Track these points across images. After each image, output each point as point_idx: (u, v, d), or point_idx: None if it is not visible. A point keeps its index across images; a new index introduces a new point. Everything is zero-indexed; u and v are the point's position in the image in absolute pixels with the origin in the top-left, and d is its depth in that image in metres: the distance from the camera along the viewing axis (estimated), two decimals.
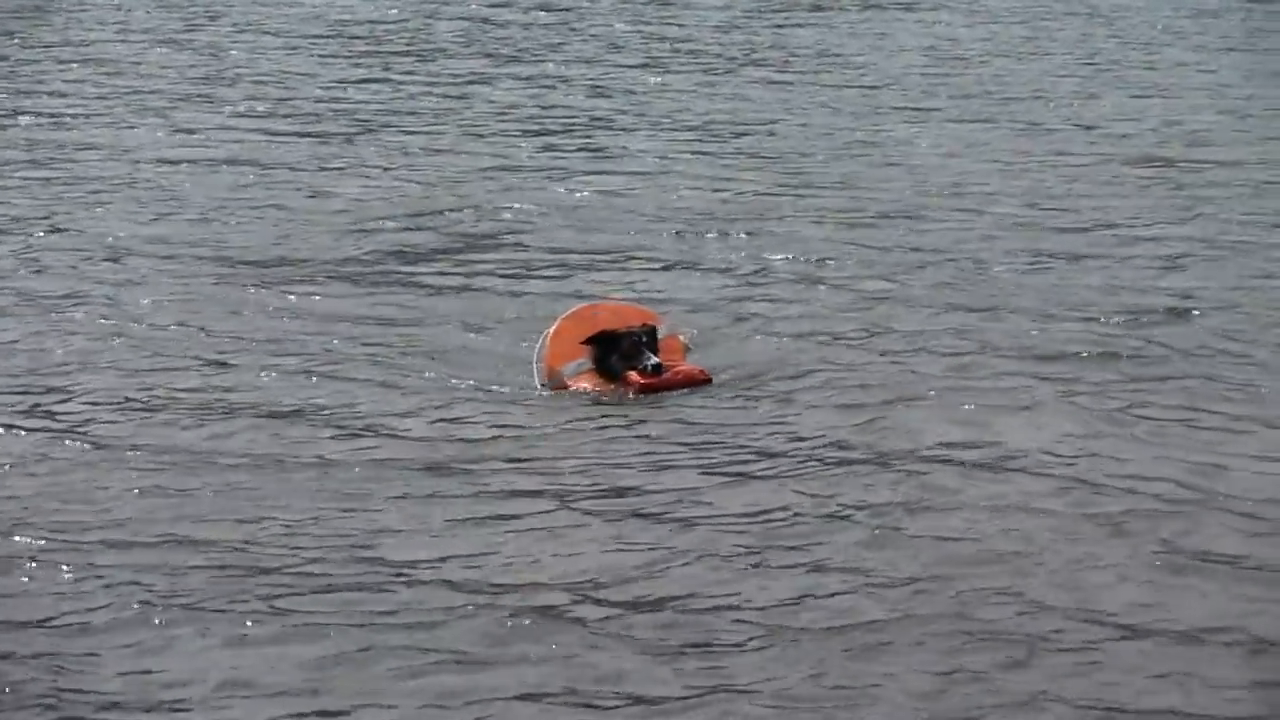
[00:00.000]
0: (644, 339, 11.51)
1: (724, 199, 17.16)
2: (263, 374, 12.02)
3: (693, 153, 19.48)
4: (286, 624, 8.33)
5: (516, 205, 16.91)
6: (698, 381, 11.50)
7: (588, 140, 20.29)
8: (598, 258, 15.15)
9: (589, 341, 11.58)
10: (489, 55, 26.52)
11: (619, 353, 11.52)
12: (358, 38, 28.13)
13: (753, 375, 11.75)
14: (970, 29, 29.04)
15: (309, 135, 20.38)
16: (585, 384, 11.55)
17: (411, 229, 16.17)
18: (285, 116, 21.51)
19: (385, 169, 18.67)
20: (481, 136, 20.49)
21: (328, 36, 28.12)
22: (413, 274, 14.68)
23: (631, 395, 11.37)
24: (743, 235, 15.62)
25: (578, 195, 17.39)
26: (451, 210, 16.91)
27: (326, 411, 11.30)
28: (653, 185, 17.82)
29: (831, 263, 14.67)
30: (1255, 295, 13.67)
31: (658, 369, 11.40)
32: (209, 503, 9.79)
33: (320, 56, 26.24)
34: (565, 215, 16.59)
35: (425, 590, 8.64)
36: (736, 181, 18.00)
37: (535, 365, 11.67)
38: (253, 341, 12.77)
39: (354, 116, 21.55)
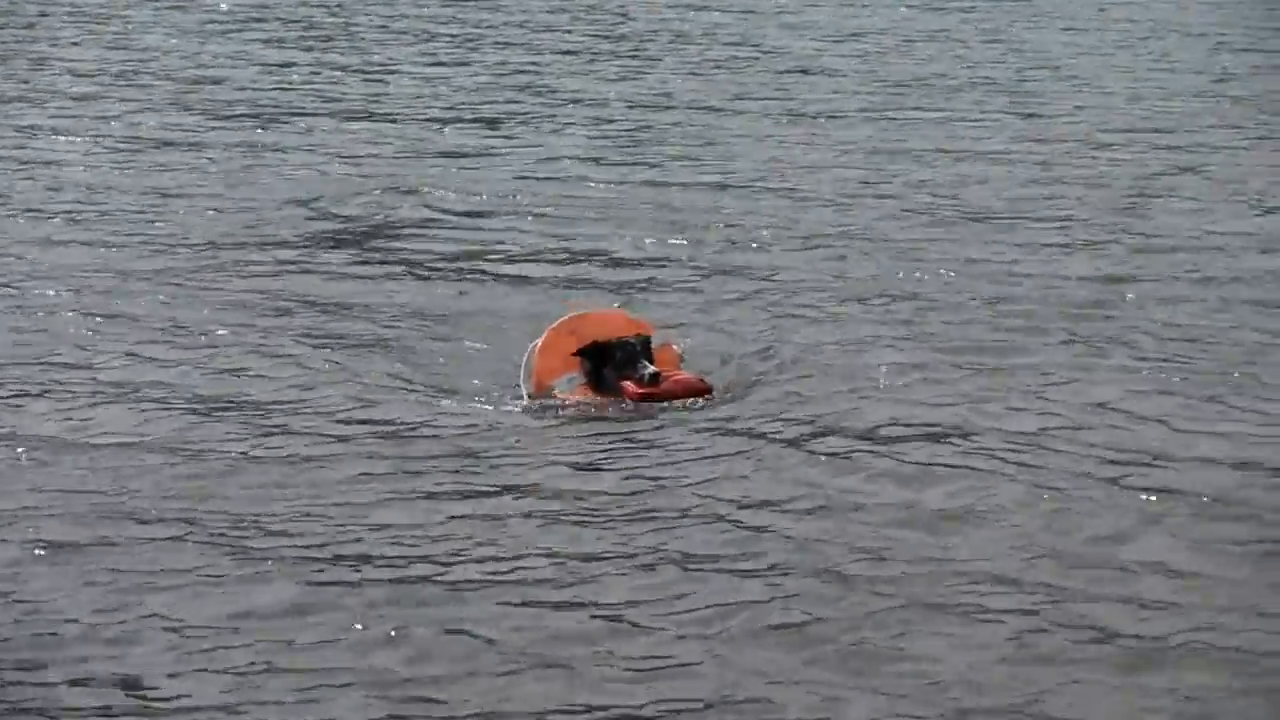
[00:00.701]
0: (638, 348, 10.82)
1: (684, 198, 16.66)
2: (200, 369, 11.55)
3: (621, 142, 19.08)
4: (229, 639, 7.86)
5: (478, 196, 16.52)
6: (697, 391, 10.83)
7: (522, 128, 19.88)
8: (576, 258, 14.60)
9: (580, 354, 10.91)
10: (424, 40, 26.22)
11: (613, 363, 10.82)
12: (282, 20, 27.72)
13: (749, 384, 11.15)
14: (900, 16, 28.99)
15: (232, 122, 19.89)
16: (578, 399, 10.86)
17: (355, 219, 15.75)
18: (210, 103, 20.99)
19: (327, 155, 18.26)
20: (421, 123, 20.09)
21: (248, 22, 27.60)
22: (364, 268, 14.18)
23: (630, 406, 10.69)
24: (712, 237, 15.15)
25: (533, 191, 16.88)
26: (396, 199, 16.46)
27: (270, 416, 10.73)
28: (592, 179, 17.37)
29: (803, 263, 14.23)
30: (1196, 284, 13.52)
31: (655, 378, 10.69)
32: (141, 501, 9.30)
33: (242, 43, 25.72)
34: (522, 210, 16.16)
35: (396, 613, 8.08)
36: (672, 176, 17.62)
37: (522, 380, 11.00)
38: (195, 334, 12.28)
39: (286, 104, 21.08)
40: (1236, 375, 11.32)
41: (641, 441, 10.23)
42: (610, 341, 10.83)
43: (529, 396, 10.91)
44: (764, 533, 8.91)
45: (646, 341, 10.91)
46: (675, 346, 11.35)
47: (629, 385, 10.73)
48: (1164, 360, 11.64)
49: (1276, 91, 22.55)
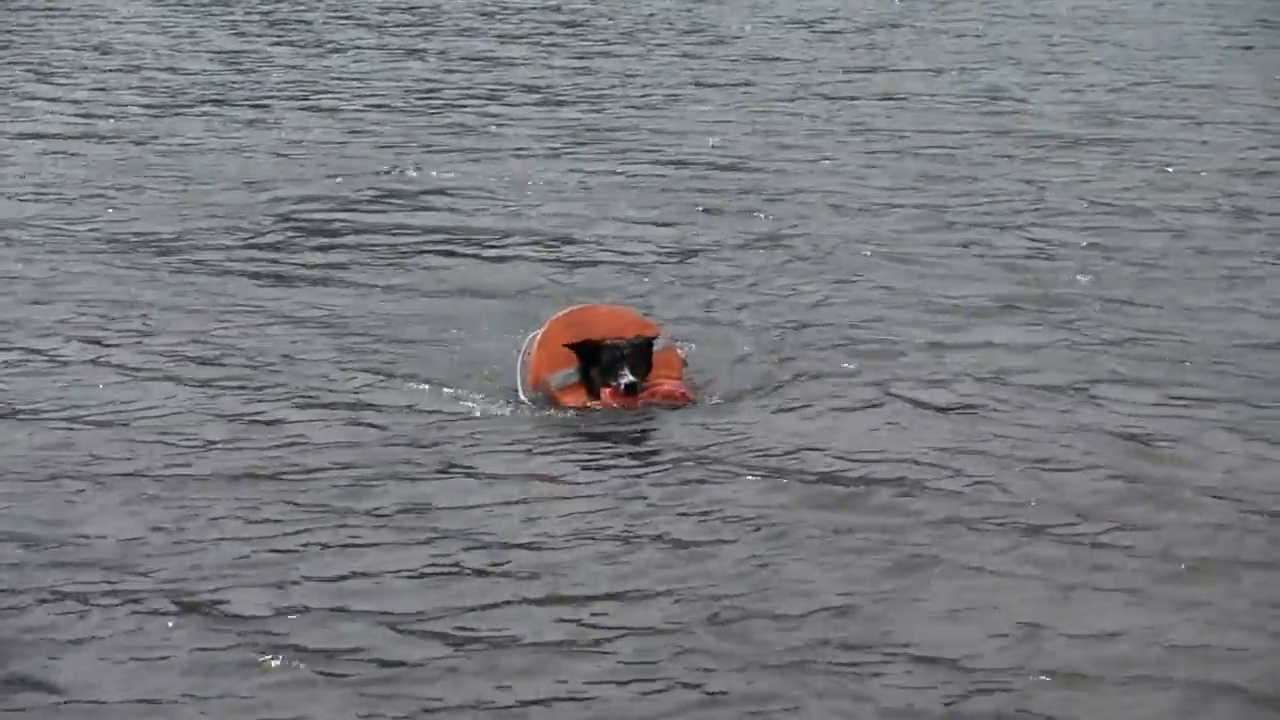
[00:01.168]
0: (625, 352, 10.25)
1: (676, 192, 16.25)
2: (167, 364, 11.08)
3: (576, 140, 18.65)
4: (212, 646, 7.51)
5: (458, 184, 16.16)
6: (677, 403, 10.29)
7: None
8: (547, 247, 14.16)
9: (572, 348, 10.33)
10: (378, 27, 26.14)
11: (599, 365, 10.29)
12: (239, 6, 27.56)
13: (754, 391, 10.66)
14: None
15: (189, 109, 19.61)
16: (571, 395, 10.32)
17: (318, 207, 15.33)
18: (167, 90, 20.73)
19: (300, 140, 17.99)
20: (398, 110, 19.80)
21: (209, 6, 27.48)
22: (329, 255, 13.79)
23: (615, 409, 10.18)
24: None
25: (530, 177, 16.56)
26: (359, 186, 16.11)
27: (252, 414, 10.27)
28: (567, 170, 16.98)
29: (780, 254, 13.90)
30: (1156, 269, 13.43)
31: (632, 389, 10.18)
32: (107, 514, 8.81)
33: (199, 29, 25.53)
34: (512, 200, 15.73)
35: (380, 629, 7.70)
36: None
37: (519, 373, 10.42)
38: (160, 329, 11.82)
39: (242, 91, 20.78)
40: (1193, 365, 11.22)
41: (624, 447, 9.82)
42: (602, 342, 10.32)
43: (524, 391, 10.37)
44: (747, 542, 8.57)
45: (647, 344, 10.36)
46: (679, 351, 10.79)
47: (606, 393, 10.26)
48: (1127, 348, 11.52)
49: (1245, 82, 22.55)
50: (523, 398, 10.34)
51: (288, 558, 8.33)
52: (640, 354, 10.30)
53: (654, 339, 10.41)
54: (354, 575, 8.14)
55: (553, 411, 10.25)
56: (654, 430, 10.02)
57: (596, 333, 10.37)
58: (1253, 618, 7.80)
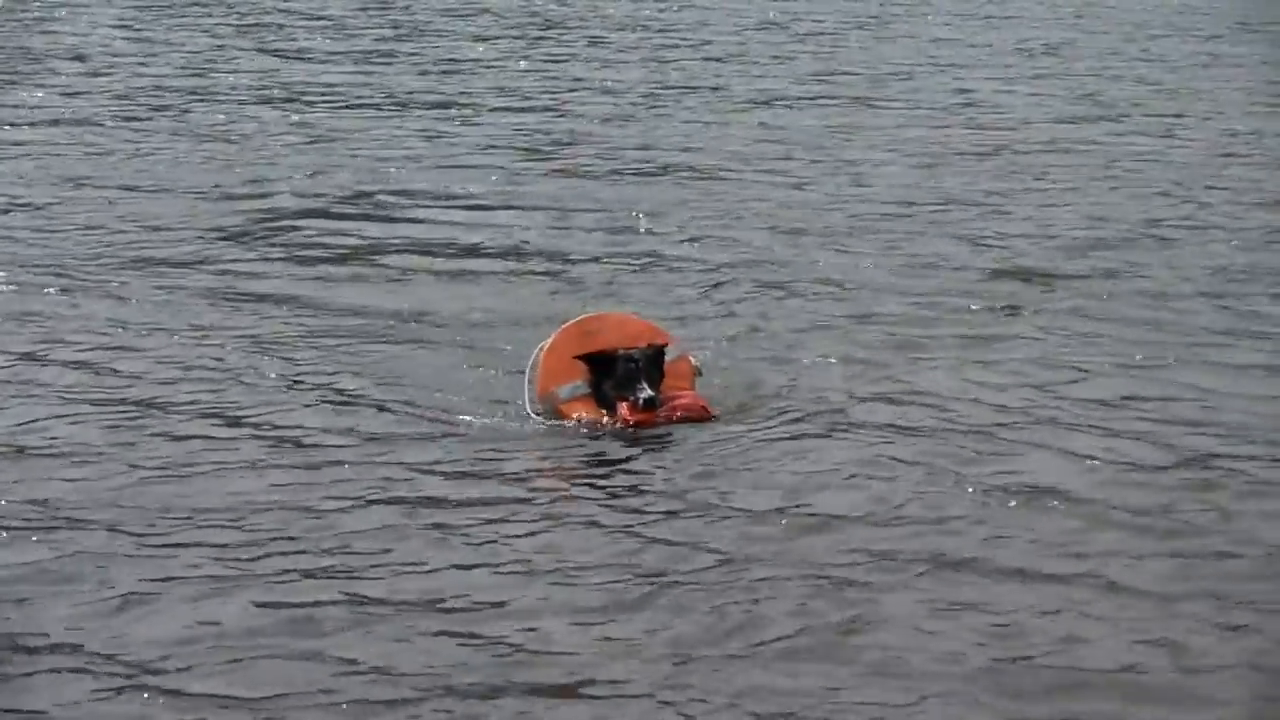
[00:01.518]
0: (640, 363, 9.74)
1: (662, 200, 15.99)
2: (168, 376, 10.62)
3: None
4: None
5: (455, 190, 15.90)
6: (697, 418, 9.81)
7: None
8: (518, 253, 13.87)
9: (583, 359, 9.85)
10: (344, 28, 26.20)
11: (613, 378, 9.78)
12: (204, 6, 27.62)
13: (772, 405, 10.22)
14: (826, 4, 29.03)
15: (152, 109, 19.39)
16: (581, 411, 9.83)
17: (284, 209, 15.13)
18: (129, 89, 20.59)
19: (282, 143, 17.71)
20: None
21: (171, 11, 27.33)
22: (295, 261, 13.50)
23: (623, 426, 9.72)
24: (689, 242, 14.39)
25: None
26: (325, 188, 15.96)
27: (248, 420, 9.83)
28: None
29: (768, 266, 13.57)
30: (1129, 279, 13.32)
31: (650, 403, 9.66)
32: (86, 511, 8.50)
33: (165, 29, 25.48)
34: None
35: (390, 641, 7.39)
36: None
37: (527, 385, 9.97)
38: (140, 334, 11.47)
39: (206, 91, 20.66)
40: (1143, 357, 11.22)
41: (638, 458, 9.41)
42: (615, 352, 9.82)
43: (531, 403, 9.93)
44: (764, 550, 8.30)
45: (659, 353, 9.90)
46: (692, 359, 10.31)
47: (623, 408, 9.76)
48: (1087, 344, 11.50)
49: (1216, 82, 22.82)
50: (529, 411, 9.91)
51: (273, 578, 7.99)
52: (654, 364, 9.83)
53: (665, 347, 9.97)
54: (354, 598, 7.79)
55: (560, 424, 9.81)
56: (668, 443, 9.58)
57: (607, 341, 9.91)
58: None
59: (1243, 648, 7.39)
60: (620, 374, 9.74)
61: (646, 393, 9.66)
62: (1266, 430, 9.91)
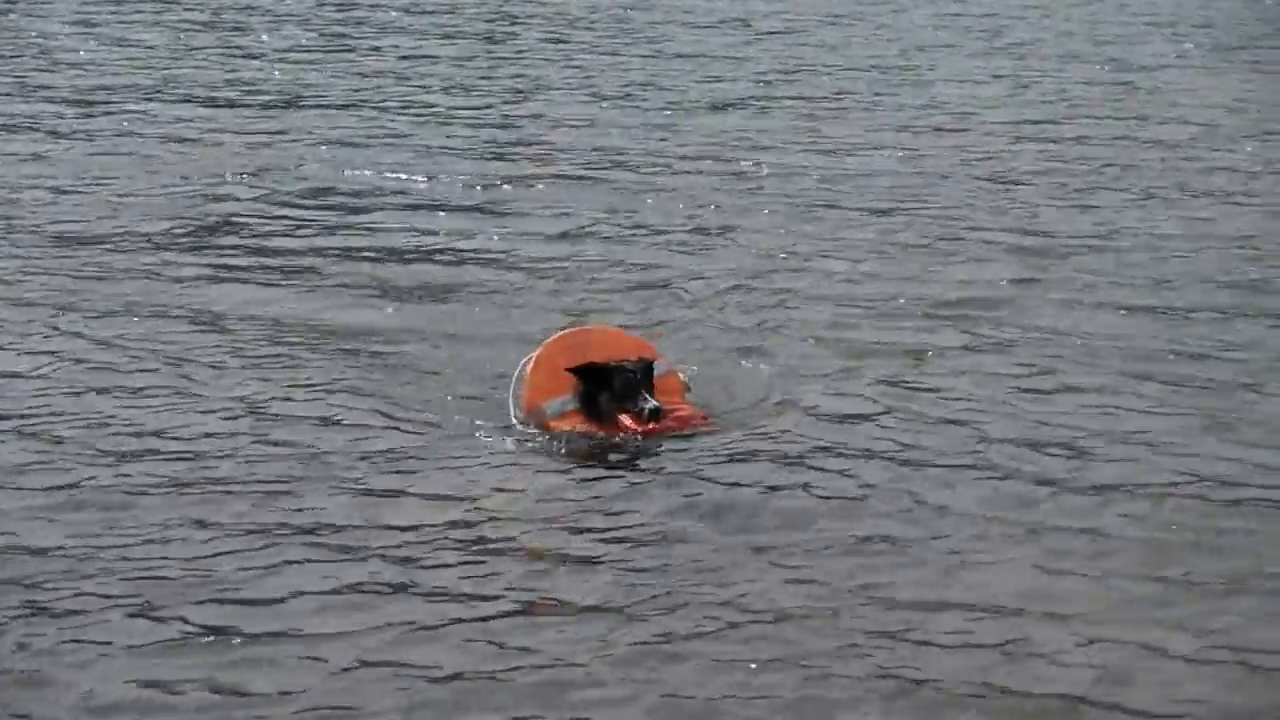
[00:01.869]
0: (638, 375, 9.64)
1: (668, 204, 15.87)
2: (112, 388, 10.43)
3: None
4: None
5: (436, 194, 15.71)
6: (698, 429, 9.71)
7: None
8: (482, 258, 13.69)
9: (574, 372, 9.71)
10: (303, 26, 26.11)
11: (611, 391, 9.65)
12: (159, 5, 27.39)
13: (757, 417, 10.12)
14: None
15: (103, 109, 19.17)
16: (570, 425, 9.69)
17: (243, 213, 14.89)
18: (87, 91, 20.24)
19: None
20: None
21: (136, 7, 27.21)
22: (258, 267, 13.27)
23: (622, 437, 9.57)
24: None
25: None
26: (285, 190, 15.72)
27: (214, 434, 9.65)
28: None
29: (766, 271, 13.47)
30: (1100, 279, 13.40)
31: (656, 414, 9.55)
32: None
33: (120, 28, 25.15)
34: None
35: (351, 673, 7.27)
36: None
37: (511, 398, 9.82)
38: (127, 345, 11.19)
39: (156, 90, 20.37)
40: (1119, 365, 11.28)
41: (623, 468, 9.34)
42: (609, 365, 9.69)
43: (518, 419, 9.77)
44: (750, 557, 8.31)
45: (648, 367, 9.79)
46: (680, 375, 10.22)
47: (626, 420, 9.63)
48: (1063, 354, 11.48)
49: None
50: (514, 421, 9.77)
51: (247, 575, 7.99)
52: (646, 376, 9.74)
53: (653, 363, 9.86)
54: (328, 611, 7.73)
55: (549, 437, 9.67)
56: (655, 454, 9.49)
57: (595, 355, 9.78)
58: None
59: (1220, 675, 7.41)
60: (619, 386, 9.64)
61: (651, 403, 9.60)
62: (1245, 445, 9.91)
